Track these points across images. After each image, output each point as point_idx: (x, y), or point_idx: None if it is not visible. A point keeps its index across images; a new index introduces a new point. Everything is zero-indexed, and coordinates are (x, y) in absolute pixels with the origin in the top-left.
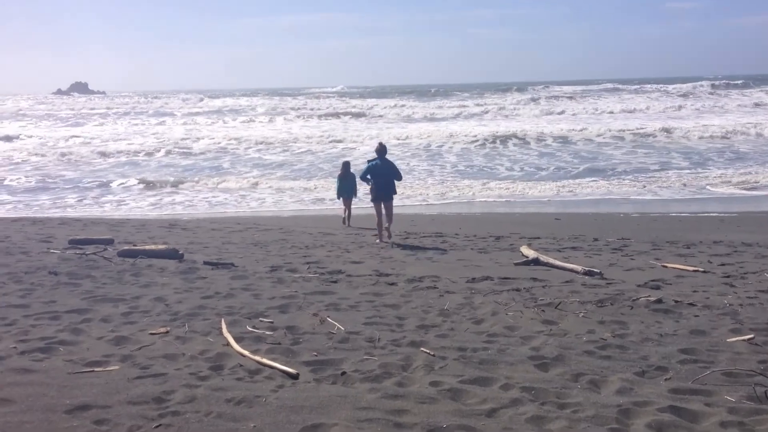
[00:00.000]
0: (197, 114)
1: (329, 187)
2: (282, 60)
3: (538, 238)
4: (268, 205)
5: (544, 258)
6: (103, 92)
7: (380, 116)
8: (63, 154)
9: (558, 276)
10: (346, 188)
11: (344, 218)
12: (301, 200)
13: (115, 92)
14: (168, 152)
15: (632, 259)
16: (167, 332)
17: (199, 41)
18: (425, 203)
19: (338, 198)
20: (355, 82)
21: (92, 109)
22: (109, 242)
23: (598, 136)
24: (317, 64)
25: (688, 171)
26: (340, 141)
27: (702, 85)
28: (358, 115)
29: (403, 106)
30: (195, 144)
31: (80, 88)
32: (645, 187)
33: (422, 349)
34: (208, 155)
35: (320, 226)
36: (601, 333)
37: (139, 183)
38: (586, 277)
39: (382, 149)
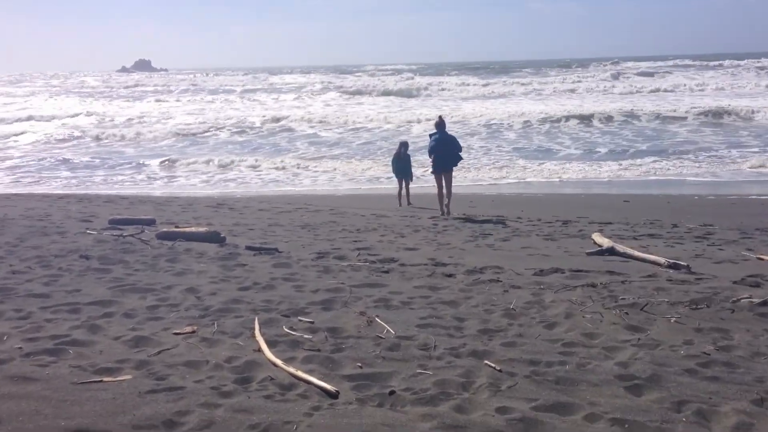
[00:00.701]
0: (256, 90)
1: (385, 166)
2: (342, 37)
3: (610, 223)
4: (321, 184)
5: (620, 247)
6: (166, 69)
7: (442, 90)
8: (121, 133)
9: (638, 269)
10: (402, 168)
11: (399, 199)
12: (356, 179)
13: (178, 69)
14: (223, 129)
15: (720, 249)
16: (194, 332)
17: (262, 17)
18: (484, 183)
19: (397, 177)
20: (415, 59)
21: (155, 86)
22: (151, 222)
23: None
24: (376, 40)
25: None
26: (392, 121)
27: None
28: (413, 94)
29: (464, 84)
30: (251, 120)
31: (144, 65)
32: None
33: (486, 361)
34: (262, 132)
35: (374, 207)
36: (701, 345)
37: (187, 161)
38: (671, 271)
39: (441, 123)
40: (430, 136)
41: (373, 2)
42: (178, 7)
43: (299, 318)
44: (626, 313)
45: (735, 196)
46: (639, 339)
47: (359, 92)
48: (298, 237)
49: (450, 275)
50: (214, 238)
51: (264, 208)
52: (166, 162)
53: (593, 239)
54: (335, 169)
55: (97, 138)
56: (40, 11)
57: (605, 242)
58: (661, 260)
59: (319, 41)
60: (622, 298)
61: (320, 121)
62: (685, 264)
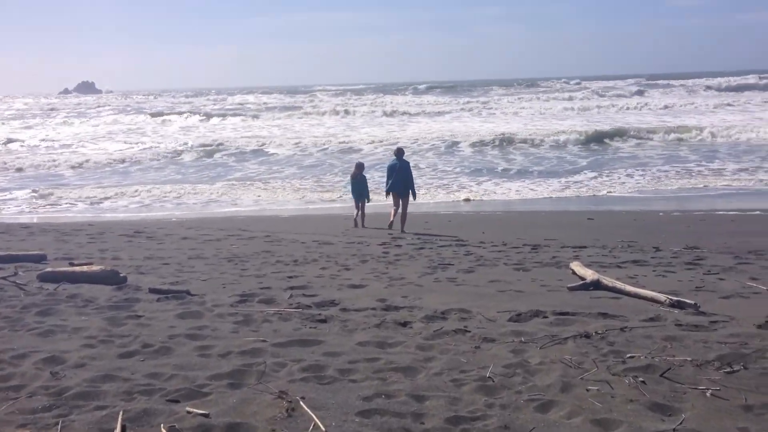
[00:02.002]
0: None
1: (331, 186)
2: (293, 59)
3: (584, 247)
4: (263, 204)
5: (607, 280)
6: (111, 91)
7: (393, 111)
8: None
9: (634, 308)
10: (358, 189)
11: (356, 219)
12: (304, 198)
13: (123, 91)
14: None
15: (721, 278)
16: None
17: (211, 39)
18: (438, 202)
19: (353, 197)
20: (360, 79)
21: (98, 107)
22: (40, 259)
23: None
24: (319, 62)
25: (697, 165)
26: (345, 140)
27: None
28: (355, 113)
29: (408, 103)
30: (190, 143)
31: (87, 87)
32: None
33: None
34: (200, 154)
35: (319, 231)
36: None
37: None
38: (676, 311)
39: (399, 152)
40: (389, 164)
41: (327, 26)
42: (126, 28)
43: (188, 408)
44: (643, 381)
45: (701, 212)
46: (675, 430)
47: (307, 113)
48: (220, 273)
49: (404, 324)
50: (110, 278)
51: (189, 236)
52: (37, 194)
53: (572, 269)
54: (283, 188)
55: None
56: None
57: (588, 273)
58: (661, 297)
59: (264, 63)
60: (630, 356)
61: (266, 144)
62: (692, 302)
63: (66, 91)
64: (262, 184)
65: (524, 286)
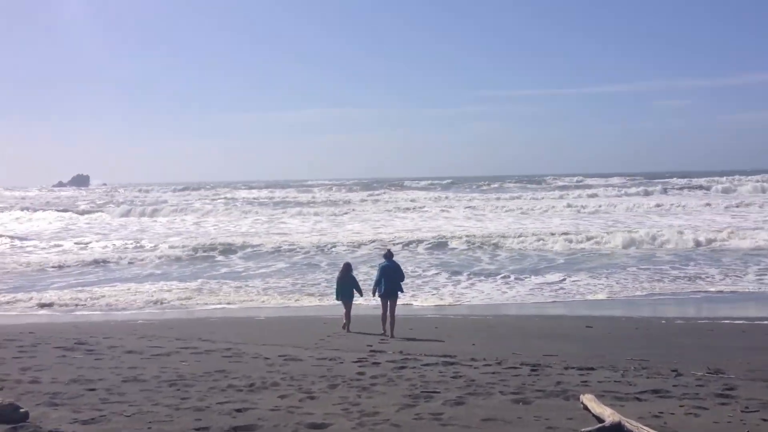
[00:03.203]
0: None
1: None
2: (276, 153)
3: (592, 369)
4: (242, 303)
5: (631, 425)
6: (105, 184)
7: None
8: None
9: None
10: (346, 290)
11: (345, 323)
12: (285, 296)
13: (118, 184)
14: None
15: (764, 419)
16: None
17: (206, 134)
18: (421, 305)
19: (337, 300)
20: (354, 175)
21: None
22: None
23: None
24: (311, 157)
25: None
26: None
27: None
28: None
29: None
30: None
31: (81, 180)
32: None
33: None
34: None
35: (290, 341)
36: None
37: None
38: None
39: (389, 254)
40: (380, 264)
41: (311, 120)
42: (122, 123)
43: None
44: None
45: (706, 320)
46: None
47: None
48: (152, 405)
49: None
50: (6, 415)
51: (136, 348)
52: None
53: (585, 404)
54: (265, 289)
55: None
56: None
57: (606, 413)
58: None
59: (254, 158)
60: None
61: (247, 241)
62: None
63: (60, 184)
64: (242, 282)
65: (527, 430)
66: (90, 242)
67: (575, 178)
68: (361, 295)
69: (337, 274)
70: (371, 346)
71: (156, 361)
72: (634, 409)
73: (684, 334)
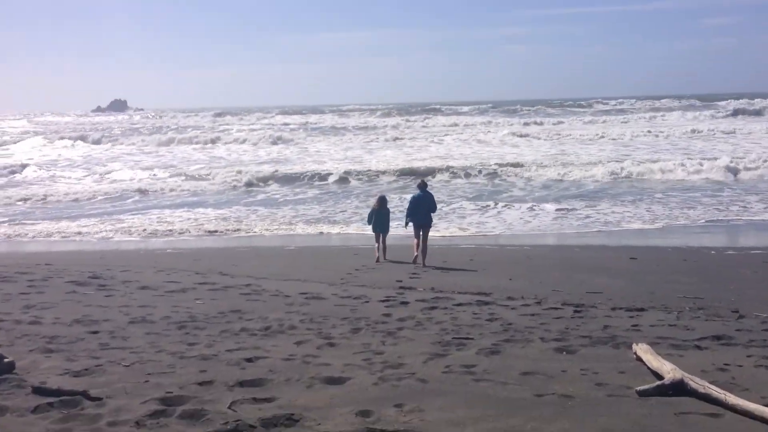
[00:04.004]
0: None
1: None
2: (315, 78)
3: (642, 310)
4: (272, 231)
5: (696, 383)
6: (142, 109)
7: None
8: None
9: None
10: (380, 222)
11: (378, 255)
12: (315, 225)
13: (154, 109)
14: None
15: None
16: None
17: (244, 58)
18: (455, 234)
19: (373, 231)
20: (388, 100)
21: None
22: None
23: None
24: (341, 81)
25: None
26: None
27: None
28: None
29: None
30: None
31: (119, 105)
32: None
33: None
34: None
35: (315, 276)
36: None
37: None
38: None
39: (423, 184)
40: (413, 195)
41: (342, 45)
42: (159, 47)
43: None
44: None
45: (760, 251)
46: None
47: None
48: (155, 353)
49: None
50: None
51: (152, 283)
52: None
53: (638, 355)
54: (294, 217)
55: None
56: (19, 53)
57: (665, 369)
58: None
59: (284, 83)
60: None
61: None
62: None
63: (99, 109)
64: (275, 209)
65: (573, 387)
66: (112, 171)
67: (625, 101)
68: (387, 232)
69: (373, 205)
70: (401, 281)
71: (169, 299)
72: (694, 359)
73: (737, 265)
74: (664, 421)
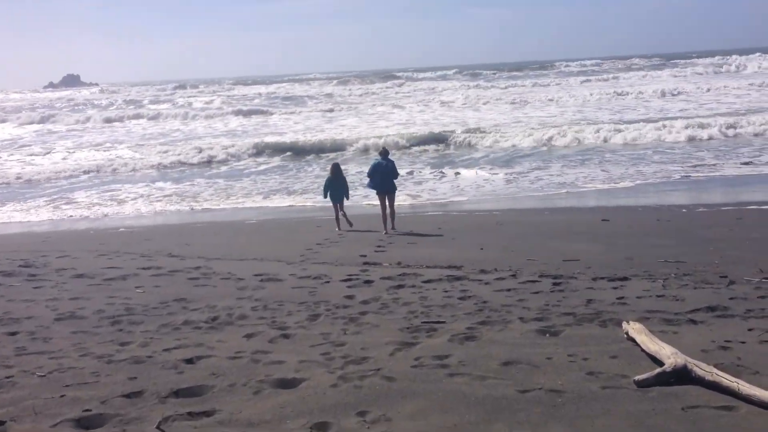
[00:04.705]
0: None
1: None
2: (274, 47)
3: (625, 279)
4: (234, 204)
5: (702, 369)
6: (96, 84)
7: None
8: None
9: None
10: (337, 192)
11: (338, 223)
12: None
13: (109, 83)
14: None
15: None
16: None
17: (190, 29)
18: (418, 201)
19: (329, 200)
20: (356, 67)
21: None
22: None
23: None
24: (306, 49)
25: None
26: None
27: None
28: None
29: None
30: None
31: (72, 80)
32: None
33: None
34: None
35: (272, 254)
36: None
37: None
38: None
39: (385, 151)
40: (374, 159)
41: (309, 11)
42: (111, 20)
43: None
44: None
45: (730, 207)
46: None
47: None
48: (79, 357)
49: None
50: None
51: (89, 270)
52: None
53: (630, 335)
54: (251, 191)
55: None
56: None
57: (664, 353)
58: None
59: (234, 52)
60: None
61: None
62: None
63: (51, 85)
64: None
65: (561, 379)
66: (63, 150)
67: (587, 62)
68: (348, 198)
69: (328, 175)
70: (365, 256)
71: (106, 289)
72: (690, 336)
73: (712, 224)
74: (671, 419)
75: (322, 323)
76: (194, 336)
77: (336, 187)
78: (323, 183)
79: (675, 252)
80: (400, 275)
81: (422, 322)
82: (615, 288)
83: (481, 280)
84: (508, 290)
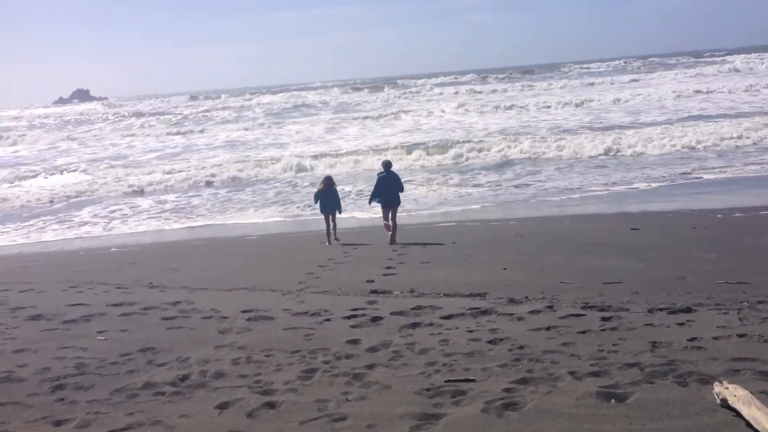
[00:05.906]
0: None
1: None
2: (282, 57)
3: (690, 310)
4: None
5: None
6: (106, 98)
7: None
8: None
9: None
10: (329, 203)
11: (328, 237)
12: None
13: (117, 97)
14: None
15: None
16: None
17: (200, 40)
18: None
19: (321, 213)
20: (358, 75)
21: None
22: None
23: None
24: (318, 59)
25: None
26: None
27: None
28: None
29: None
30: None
31: (82, 95)
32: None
33: None
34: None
35: (270, 275)
36: None
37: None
38: None
39: (387, 164)
40: (378, 174)
41: (309, 21)
42: (117, 35)
43: None
44: None
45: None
46: None
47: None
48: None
49: None
50: None
51: (48, 311)
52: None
53: (729, 404)
54: (252, 202)
55: None
56: None
57: None
58: None
59: (260, 62)
60: None
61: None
62: None
63: (61, 100)
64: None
65: None
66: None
67: (574, 66)
68: (341, 212)
69: (318, 186)
70: (373, 282)
71: (61, 336)
72: None
73: (754, 233)
74: None
75: (318, 382)
76: (153, 407)
77: (326, 199)
78: (314, 194)
79: (729, 268)
80: (414, 309)
81: (446, 381)
82: (680, 324)
83: (512, 314)
84: (548, 329)
